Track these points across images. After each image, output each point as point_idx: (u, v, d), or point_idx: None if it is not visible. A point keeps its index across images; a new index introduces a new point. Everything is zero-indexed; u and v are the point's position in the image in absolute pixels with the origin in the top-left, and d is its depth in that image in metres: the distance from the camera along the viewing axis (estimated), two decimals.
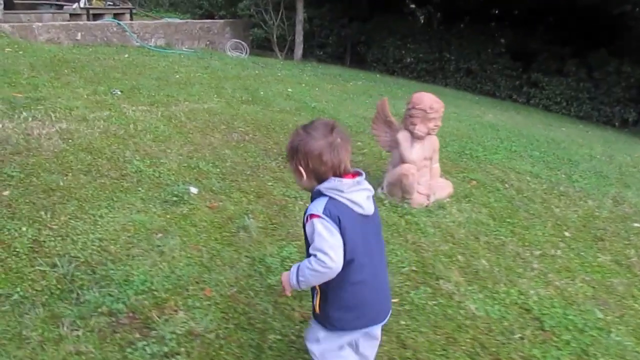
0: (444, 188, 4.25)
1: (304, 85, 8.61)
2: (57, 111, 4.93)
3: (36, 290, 2.54)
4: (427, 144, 4.03)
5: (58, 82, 6.00)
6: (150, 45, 10.44)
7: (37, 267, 2.69)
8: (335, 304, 1.84)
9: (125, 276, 2.71)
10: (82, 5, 9.97)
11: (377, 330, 1.99)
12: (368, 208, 1.82)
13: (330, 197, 1.76)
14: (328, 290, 1.83)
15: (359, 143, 5.39)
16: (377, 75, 13.07)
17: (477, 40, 13.85)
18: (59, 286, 2.58)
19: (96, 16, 10.37)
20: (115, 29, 10.00)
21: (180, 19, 13.64)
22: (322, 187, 1.78)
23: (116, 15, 10.76)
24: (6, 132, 4.25)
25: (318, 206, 1.74)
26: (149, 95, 6.09)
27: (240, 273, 2.90)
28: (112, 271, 2.73)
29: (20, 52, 7.17)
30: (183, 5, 15.16)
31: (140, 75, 7.13)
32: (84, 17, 10.04)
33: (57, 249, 2.86)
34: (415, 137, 3.98)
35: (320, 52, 15.36)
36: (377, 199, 2.78)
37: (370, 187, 1.86)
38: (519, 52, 13.38)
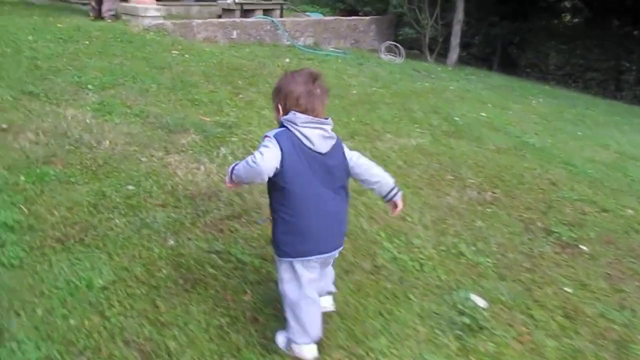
0: None
1: (489, 105, 7.32)
2: (255, 144, 4.04)
3: None
4: None
5: (240, 100, 5.17)
6: (300, 45, 9.56)
7: None
8: (279, 228, 2.01)
9: None
10: (236, 0, 9.24)
11: (327, 260, 2.14)
12: (319, 146, 1.95)
13: (287, 128, 1.94)
14: (276, 217, 2.01)
15: None
16: (547, 87, 11.41)
17: None
18: None
19: (247, 12, 9.62)
20: (268, 27, 9.20)
21: (323, 15, 12.69)
22: (283, 117, 1.96)
23: (266, 11, 9.97)
24: (211, 179, 3.40)
25: (273, 131, 1.95)
26: (340, 121, 5.11)
27: None
28: None
29: (187, 56, 6.46)
30: None
31: None
32: (237, 12, 9.31)
33: None
34: None
35: (463, 52, 13.85)
36: None
37: (330, 132, 1.99)
38: None
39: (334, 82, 6.83)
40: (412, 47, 12.01)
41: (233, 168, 2.02)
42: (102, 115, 4.11)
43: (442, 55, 11.71)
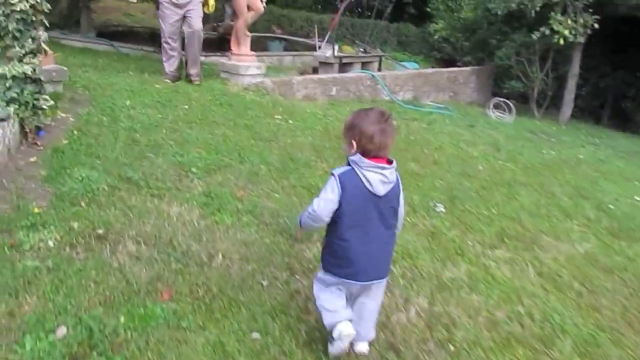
0: None
1: (635, 182, 6.20)
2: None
3: None
4: None
5: None
6: (399, 100, 8.80)
7: None
8: (327, 249, 2.31)
9: None
10: (335, 53, 8.63)
11: (370, 291, 2.32)
12: (377, 189, 2.17)
13: (352, 169, 2.18)
14: (326, 237, 2.32)
15: None
16: None
17: None
18: None
19: (345, 65, 9.01)
20: (368, 82, 8.51)
21: (418, 64, 11.95)
22: (350, 158, 2.21)
23: (364, 65, 9.34)
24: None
25: (340, 169, 2.21)
26: (481, 215, 4.23)
27: None
28: None
29: (291, 122, 5.81)
30: (414, 46, 13.44)
31: (436, 166, 5.35)
32: (335, 66, 8.70)
33: None
34: None
35: None
36: None
37: (390, 177, 2.19)
38: None
39: (454, 153, 5.96)
40: (516, 100, 10.99)
41: (301, 217, 2.34)
42: (211, 214, 3.43)
43: (550, 110, 10.62)
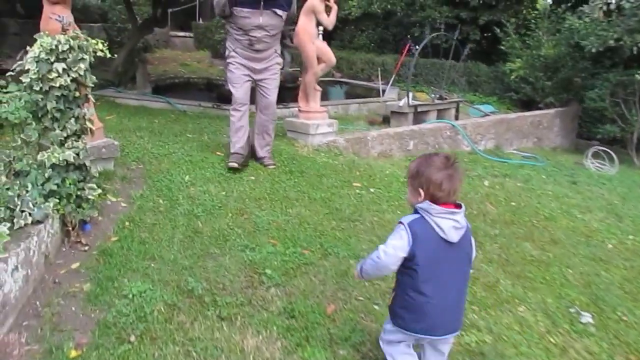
0: None
1: None
2: None
3: None
4: None
5: (489, 298, 3.45)
6: (480, 150, 7.83)
7: None
8: (399, 303, 2.16)
9: None
10: (410, 102, 7.81)
11: (441, 344, 2.21)
12: (451, 236, 2.06)
13: (421, 217, 2.09)
14: (398, 290, 2.17)
15: None
16: None
17: None
18: None
19: (420, 114, 8.16)
20: (447, 133, 7.61)
21: (493, 107, 10.96)
22: (419, 206, 2.10)
23: (440, 112, 8.47)
24: None
25: (409, 217, 2.12)
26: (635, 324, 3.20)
27: None
28: None
29: (372, 191, 4.95)
30: (485, 86, 12.46)
31: (557, 247, 4.33)
32: (410, 116, 7.87)
33: None
34: None
35: None
36: None
37: (461, 222, 2.10)
38: None
39: (570, 225, 4.93)
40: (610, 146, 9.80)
41: (361, 265, 2.24)
42: (298, 346, 2.57)
43: None
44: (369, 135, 6.47)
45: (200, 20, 18.19)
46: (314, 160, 5.49)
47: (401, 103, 7.90)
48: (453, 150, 7.68)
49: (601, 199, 6.04)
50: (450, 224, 2.05)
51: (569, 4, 11.57)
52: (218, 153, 5.22)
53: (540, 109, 10.48)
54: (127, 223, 3.57)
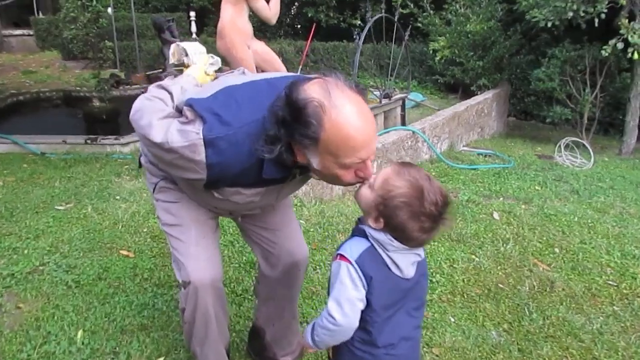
0: None
1: None
2: None
3: None
4: None
5: None
6: (440, 154, 6.34)
7: None
8: (346, 357, 1.59)
9: None
10: None
11: None
12: (408, 272, 1.54)
13: (371, 247, 1.50)
14: (344, 344, 1.57)
15: None
16: None
17: None
18: None
19: None
20: (409, 142, 5.96)
21: (423, 95, 9.55)
22: (373, 234, 1.50)
23: (386, 114, 6.78)
24: None
25: (354, 249, 1.50)
26: None
27: None
28: None
29: None
30: (402, 70, 11.02)
31: None
32: None
33: None
34: None
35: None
36: None
37: (422, 252, 1.58)
38: None
39: (596, 258, 3.50)
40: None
41: (313, 337, 1.57)
42: None
43: (597, 141, 8.49)
44: None
45: (40, 13, 14.73)
46: None
47: None
48: (415, 162, 6.09)
49: (623, 217, 4.74)
50: (410, 260, 1.53)
51: None
52: (123, 252, 3.04)
53: (468, 93, 9.29)
54: None
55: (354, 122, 1.45)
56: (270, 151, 1.52)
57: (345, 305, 1.48)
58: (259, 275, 2.23)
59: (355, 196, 1.59)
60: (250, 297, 2.75)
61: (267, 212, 2.09)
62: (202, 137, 1.53)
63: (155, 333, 2.37)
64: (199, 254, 1.87)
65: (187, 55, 2.08)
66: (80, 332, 2.31)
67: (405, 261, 1.54)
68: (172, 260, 1.93)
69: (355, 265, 1.48)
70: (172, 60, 2.14)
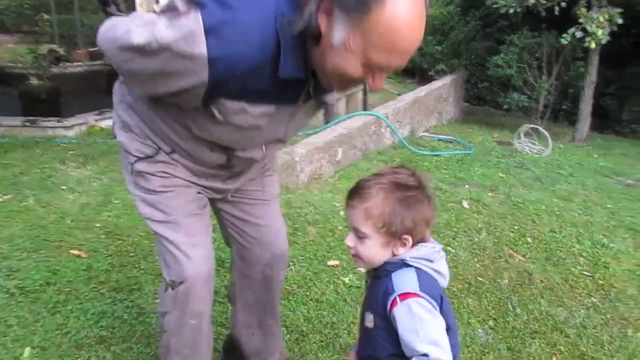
0: None
1: None
2: None
3: None
4: None
5: None
6: (403, 139, 6.23)
7: None
8: None
9: None
10: None
11: None
12: (448, 278, 1.44)
13: (416, 269, 1.36)
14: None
15: None
16: None
17: None
18: None
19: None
20: (373, 127, 5.78)
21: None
22: (413, 256, 1.35)
23: (348, 99, 6.58)
24: None
25: (408, 280, 1.33)
26: None
27: None
28: None
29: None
30: None
31: None
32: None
33: None
34: None
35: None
36: None
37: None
38: None
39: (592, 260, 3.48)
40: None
41: None
42: None
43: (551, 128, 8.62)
44: (297, 153, 4.33)
45: None
46: None
47: None
48: (379, 149, 5.93)
49: (606, 208, 4.76)
50: (446, 264, 1.44)
51: None
52: (74, 252, 2.70)
53: (425, 77, 9.24)
54: None
55: (411, 23, 1.19)
56: (298, 18, 1.21)
57: (440, 340, 1.31)
58: (235, 276, 1.98)
59: (360, 265, 1.46)
60: (221, 299, 2.50)
61: (255, 203, 1.86)
62: (201, 24, 1.20)
63: (116, 346, 2.08)
64: (194, 246, 1.62)
65: (158, 2, 1.73)
66: (27, 350, 2.00)
67: (445, 266, 1.45)
68: (158, 255, 1.65)
69: (423, 294, 1.33)
70: (140, 11, 1.80)
